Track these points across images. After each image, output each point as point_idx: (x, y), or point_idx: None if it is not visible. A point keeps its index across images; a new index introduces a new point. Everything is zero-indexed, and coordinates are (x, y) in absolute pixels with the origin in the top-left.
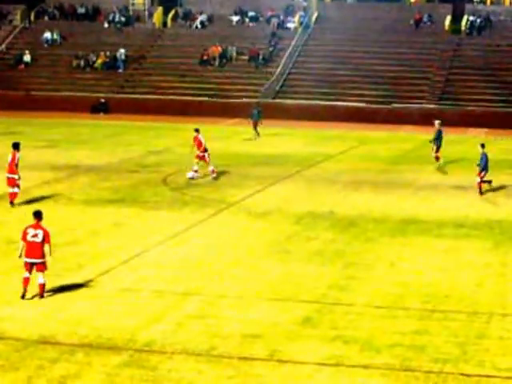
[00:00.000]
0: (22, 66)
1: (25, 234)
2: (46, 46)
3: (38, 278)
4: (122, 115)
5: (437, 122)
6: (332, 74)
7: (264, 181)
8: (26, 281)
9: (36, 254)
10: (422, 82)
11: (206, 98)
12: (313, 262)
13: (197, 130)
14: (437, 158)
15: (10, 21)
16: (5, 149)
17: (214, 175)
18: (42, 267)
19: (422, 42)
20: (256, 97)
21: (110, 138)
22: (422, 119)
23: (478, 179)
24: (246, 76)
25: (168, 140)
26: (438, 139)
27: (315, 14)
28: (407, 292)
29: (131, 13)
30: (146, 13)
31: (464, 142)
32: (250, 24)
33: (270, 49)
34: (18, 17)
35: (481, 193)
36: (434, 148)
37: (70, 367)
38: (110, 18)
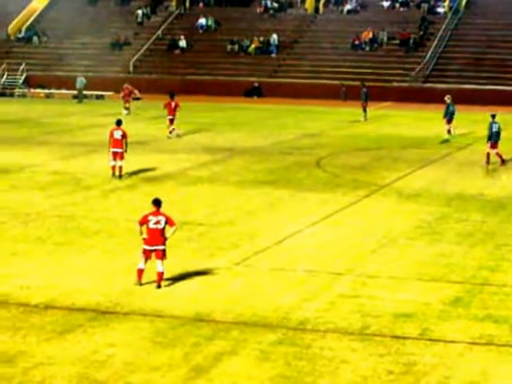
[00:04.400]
0: (178, 51)
1: (146, 221)
2: (200, 31)
3: (156, 265)
4: (275, 99)
5: (446, 97)
6: (482, 58)
7: (414, 163)
8: (141, 272)
9: (157, 241)
10: None
11: (357, 83)
12: (463, 243)
13: (171, 96)
14: (448, 131)
15: (166, 7)
16: (160, 132)
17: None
18: (162, 254)
19: None
20: (406, 81)
21: (263, 121)
22: None
23: (494, 151)
24: (397, 60)
25: (321, 123)
26: (447, 114)
27: None
28: None
29: None
30: None
31: None
32: (401, 9)
33: (420, 33)
34: (174, 3)
35: (487, 163)
36: (445, 121)
37: (226, 344)
38: (263, 4)
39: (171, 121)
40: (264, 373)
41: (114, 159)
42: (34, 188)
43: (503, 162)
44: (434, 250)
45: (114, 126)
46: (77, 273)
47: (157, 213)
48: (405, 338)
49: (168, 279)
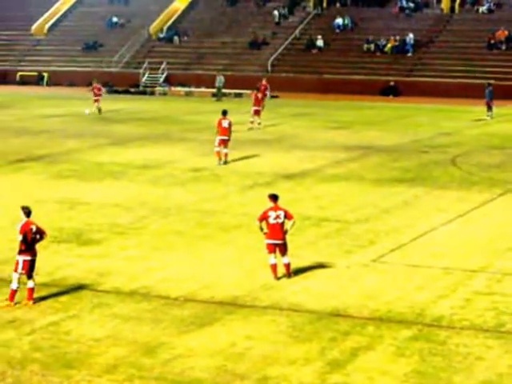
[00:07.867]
0: (315, 50)
1: (266, 217)
2: (337, 31)
3: (282, 259)
4: (411, 98)
5: None
6: None
7: None
8: (274, 267)
9: (278, 236)
10: None
11: (492, 81)
12: None
13: (257, 89)
14: None
15: (304, 7)
16: (298, 130)
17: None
18: (284, 249)
19: None
20: None
21: (399, 119)
22: None
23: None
24: None
25: (457, 122)
26: None
27: None
28: None
29: None
30: None
31: None
32: None
33: None
34: (311, 4)
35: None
36: None
37: (362, 340)
38: (399, 3)
39: (257, 112)
40: (399, 368)
41: (220, 146)
42: (174, 183)
43: None
44: None
45: (221, 115)
46: (216, 266)
47: (276, 208)
48: None
49: (305, 274)
